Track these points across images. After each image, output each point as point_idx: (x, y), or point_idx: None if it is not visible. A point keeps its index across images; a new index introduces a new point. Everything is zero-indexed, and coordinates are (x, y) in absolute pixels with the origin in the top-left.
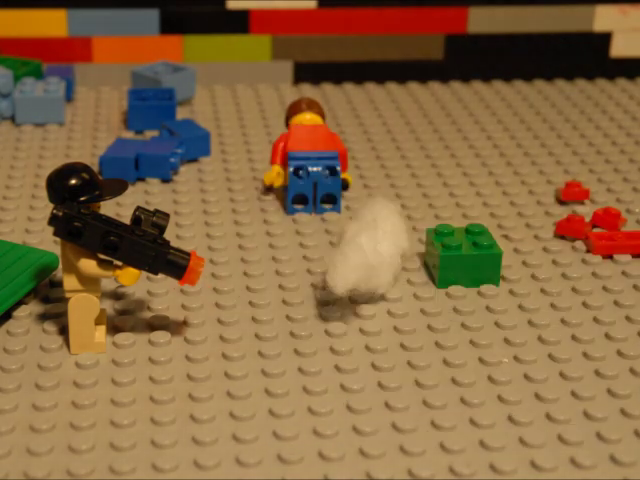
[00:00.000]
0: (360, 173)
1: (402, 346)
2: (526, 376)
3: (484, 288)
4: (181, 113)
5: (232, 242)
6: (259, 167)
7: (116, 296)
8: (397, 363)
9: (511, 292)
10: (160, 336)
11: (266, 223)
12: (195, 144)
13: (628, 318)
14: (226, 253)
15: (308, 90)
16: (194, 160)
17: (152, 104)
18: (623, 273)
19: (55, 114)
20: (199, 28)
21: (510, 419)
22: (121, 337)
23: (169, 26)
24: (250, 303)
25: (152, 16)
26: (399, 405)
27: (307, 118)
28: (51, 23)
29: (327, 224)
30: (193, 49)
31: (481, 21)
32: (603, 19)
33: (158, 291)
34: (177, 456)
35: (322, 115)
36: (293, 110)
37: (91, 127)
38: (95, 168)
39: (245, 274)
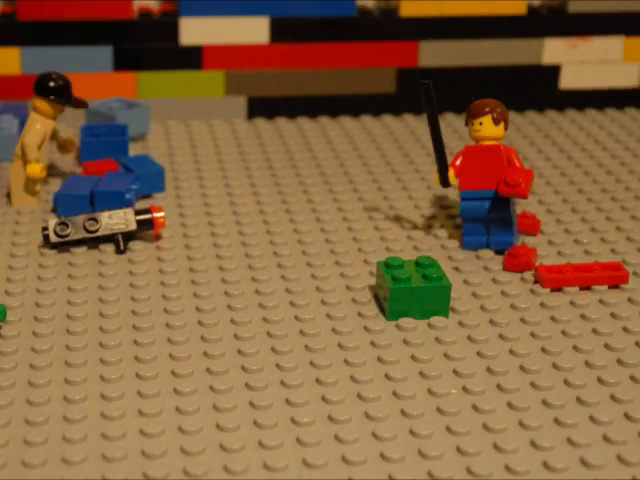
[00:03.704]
0: (313, 207)
1: (352, 379)
2: (474, 407)
3: (434, 320)
4: (135, 149)
5: (185, 276)
6: (213, 202)
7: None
8: (347, 395)
9: (460, 323)
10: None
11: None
12: (150, 180)
13: (575, 348)
14: (179, 290)
15: (262, 124)
16: (148, 196)
17: (105, 140)
18: (571, 303)
19: (8, 152)
20: (152, 64)
21: (458, 450)
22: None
23: (122, 63)
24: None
25: (105, 53)
26: (348, 438)
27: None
28: (4, 61)
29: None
30: (147, 85)
31: (431, 55)
32: (552, 52)
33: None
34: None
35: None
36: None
37: (45, 164)
38: (49, 205)
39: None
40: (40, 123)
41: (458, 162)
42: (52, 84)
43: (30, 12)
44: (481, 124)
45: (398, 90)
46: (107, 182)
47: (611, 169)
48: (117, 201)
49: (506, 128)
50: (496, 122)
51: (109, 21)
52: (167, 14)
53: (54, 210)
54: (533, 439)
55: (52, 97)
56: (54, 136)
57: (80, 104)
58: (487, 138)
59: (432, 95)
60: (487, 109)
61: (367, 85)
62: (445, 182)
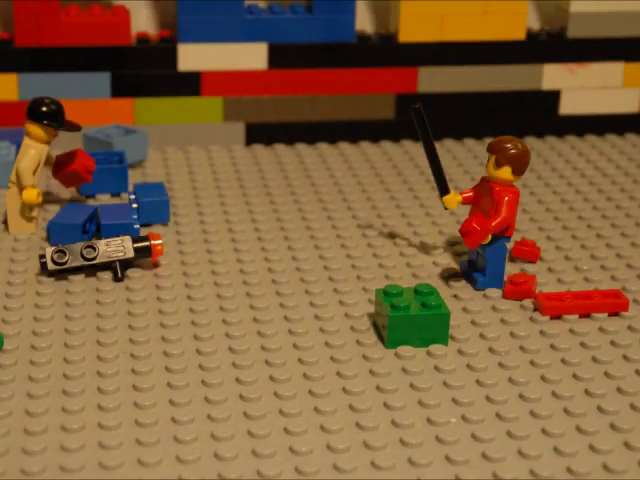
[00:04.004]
0: (311, 234)
1: (351, 407)
2: (473, 435)
3: (433, 348)
4: (133, 176)
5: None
6: (211, 229)
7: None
8: (346, 425)
9: (459, 351)
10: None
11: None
12: (154, 209)
13: (575, 376)
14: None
15: (261, 151)
16: (147, 224)
17: (102, 168)
18: (571, 331)
19: (4, 178)
20: (150, 90)
21: (457, 478)
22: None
23: (120, 89)
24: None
25: (103, 79)
26: (347, 466)
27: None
28: (2, 87)
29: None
30: (145, 111)
31: (431, 80)
32: (551, 77)
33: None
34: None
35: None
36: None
37: (42, 190)
38: (43, 233)
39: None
40: (34, 148)
41: (470, 193)
42: (45, 109)
43: (28, 38)
44: (489, 161)
45: (397, 116)
46: (111, 214)
47: (611, 195)
48: (125, 232)
49: (515, 172)
50: (497, 164)
51: (107, 47)
52: (165, 40)
53: (48, 239)
54: (533, 468)
55: (45, 122)
56: (48, 161)
57: (73, 127)
58: (491, 177)
59: (424, 118)
60: (493, 148)
61: (366, 111)
62: (444, 190)
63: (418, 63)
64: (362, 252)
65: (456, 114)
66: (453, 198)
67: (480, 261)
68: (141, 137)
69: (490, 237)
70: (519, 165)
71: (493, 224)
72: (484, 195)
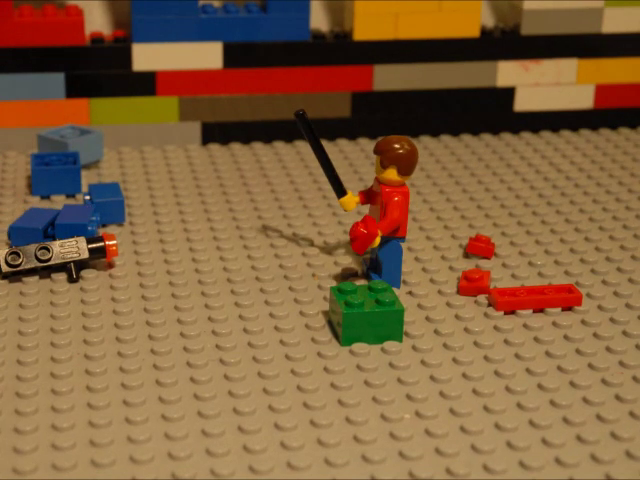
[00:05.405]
0: (267, 233)
1: (305, 405)
2: (427, 431)
3: (387, 344)
4: (89, 176)
5: (138, 307)
6: (166, 229)
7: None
8: (299, 422)
9: (414, 348)
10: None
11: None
12: (109, 210)
13: (528, 370)
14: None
15: (217, 150)
16: (103, 225)
17: (56, 169)
18: (524, 326)
19: None
20: (105, 91)
21: (411, 475)
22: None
23: (75, 89)
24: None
25: (58, 80)
26: (301, 464)
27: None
28: None
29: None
30: (100, 112)
31: (386, 78)
32: (506, 74)
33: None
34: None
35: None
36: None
37: None
38: (4, 237)
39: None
40: None
41: (363, 192)
42: None
43: None
44: (376, 161)
45: (353, 114)
46: (68, 214)
47: (566, 191)
48: (79, 233)
49: (402, 173)
50: (382, 165)
51: (61, 47)
52: (119, 40)
53: (8, 242)
54: (485, 462)
55: None
56: None
57: None
58: (380, 178)
59: (310, 123)
60: (378, 149)
61: (322, 109)
62: (340, 192)
63: (373, 61)
64: (317, 250)
65: (412, 112)
66: (351, 199)
67: (378, 262)
68: (96, 137)
69: (379, 240)
70: (405, 166)
71: (381, 227)
72: (377, 195)
